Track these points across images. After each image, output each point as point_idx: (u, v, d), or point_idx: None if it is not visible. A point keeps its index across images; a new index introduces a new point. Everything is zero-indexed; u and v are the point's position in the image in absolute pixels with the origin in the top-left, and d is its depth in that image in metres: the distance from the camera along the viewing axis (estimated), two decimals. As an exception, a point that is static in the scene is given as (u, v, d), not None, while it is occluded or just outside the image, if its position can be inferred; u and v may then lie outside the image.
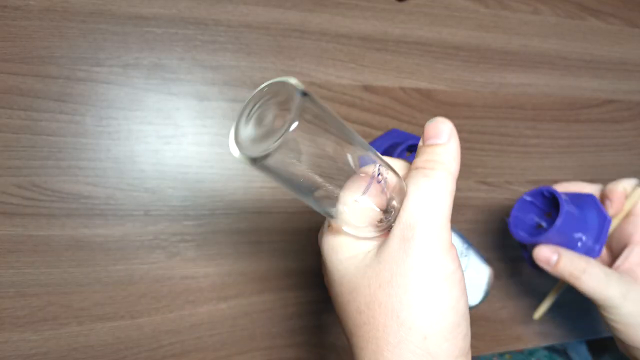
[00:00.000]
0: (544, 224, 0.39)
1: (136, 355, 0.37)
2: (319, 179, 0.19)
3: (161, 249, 0.38)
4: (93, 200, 0.37)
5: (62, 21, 0.37)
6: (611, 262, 0.38)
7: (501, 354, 0.49)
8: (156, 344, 0.38)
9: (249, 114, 0.18)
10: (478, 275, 0.28)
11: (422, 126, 0.46)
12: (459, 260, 0.20)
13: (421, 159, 0.21)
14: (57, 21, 0.37)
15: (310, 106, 0.17)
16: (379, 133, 0.45)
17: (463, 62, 0.48)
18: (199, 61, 0.40)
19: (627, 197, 0.37)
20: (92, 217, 0.37)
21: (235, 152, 0.17)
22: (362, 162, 0.20)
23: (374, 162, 0.20)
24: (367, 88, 0.44)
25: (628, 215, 0.37)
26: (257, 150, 0.16)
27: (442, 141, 0.21)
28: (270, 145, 0.16)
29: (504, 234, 0.48)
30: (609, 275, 0.33)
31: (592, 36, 0.54)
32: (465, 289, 0.20)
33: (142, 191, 0.38)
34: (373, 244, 0.21)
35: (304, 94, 0.17)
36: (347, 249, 0.21)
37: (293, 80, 0.17)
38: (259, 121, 0.17)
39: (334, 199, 0.20)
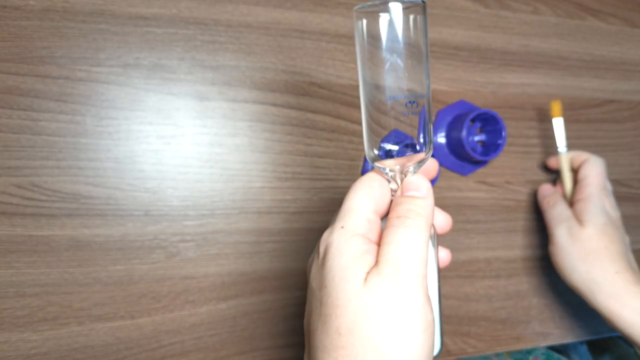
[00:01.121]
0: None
1: (136, 356, 0.37)
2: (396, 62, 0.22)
3: (161, 249, 0.38)
4: (93, 200, 0.37)
5: (62, 21, 0.37)
6: None
7: (498, 353, 0.49)
8: (156, 344, 0.38)
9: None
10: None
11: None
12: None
13: (402, 208, 0.23)
14: (57, 21, 0.37)
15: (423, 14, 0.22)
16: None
17: (463, 62, 0.48)
18: (199, 61, 0.40)
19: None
20: (92, 217, 0.37)
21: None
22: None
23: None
24: (367, 88, 0.44)
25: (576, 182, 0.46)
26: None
27: (422, 195, 0.24)
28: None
29: (504, 234, 0.48)
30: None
31: (592, 36, 0.53)
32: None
33: (142, 191, 0.38)
34: (365, 271, 0.22)
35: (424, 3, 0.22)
36: (351, 263, 0.22)
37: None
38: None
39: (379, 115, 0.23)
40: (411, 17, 0.22)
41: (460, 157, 0.46)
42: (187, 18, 0.40)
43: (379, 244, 0.23)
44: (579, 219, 0.42)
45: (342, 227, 0.23)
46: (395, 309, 0.20)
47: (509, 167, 0.49)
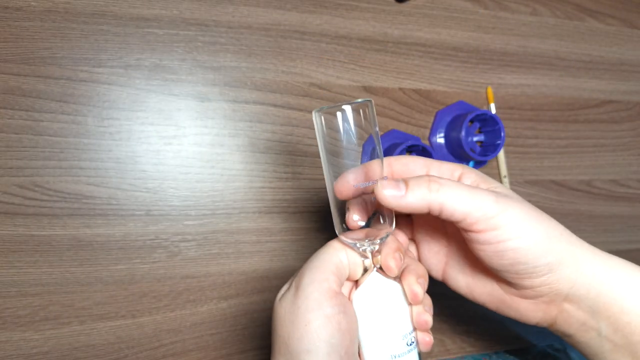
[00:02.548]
0: None
1: (137, 354, 0.38)
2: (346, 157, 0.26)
3: (162, 249, 0.38)
4: (95, 200, 0.37)
5: (63, 22, 0.37)
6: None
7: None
8: (157, 343, 0.38)
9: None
10: None
11: (422, 127, 0.46)
12: (342, 307, 0.26)
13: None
14: (59, 22, 0.37)
15: (366, 111, 0.26)
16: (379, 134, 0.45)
17: (462, 63, 0.48)
18: (200, 62, 0.40)
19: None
20: (93, 217, 0.37)
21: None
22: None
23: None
24: (367, 89, 0.45)
25: None
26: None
27: None
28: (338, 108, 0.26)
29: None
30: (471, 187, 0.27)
31: (590, 37, 0.54)
32: (347, 331, 0.26)
33: (144, 191, 0.38)
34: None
35: (369, 100, 0.26)
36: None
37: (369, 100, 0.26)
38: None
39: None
40: (361, 112, 0.26)
41: (459, 157, 0.46)
42: (188, 19, 0.40)
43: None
44: None
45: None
46: (293, 308, 0.25)
47: (508, 167, 0.49)
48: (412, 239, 0.33)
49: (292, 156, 0.42)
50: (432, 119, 0.47)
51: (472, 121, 0.45)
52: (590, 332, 0.27)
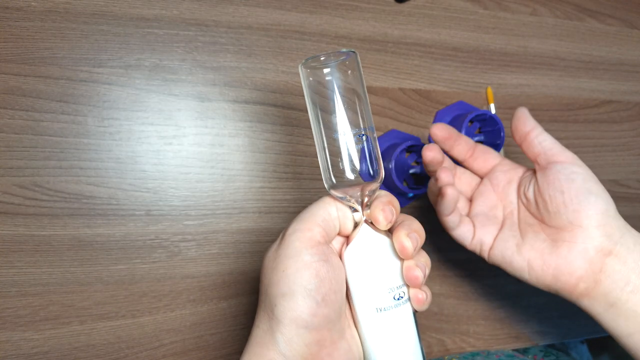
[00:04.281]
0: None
1: (137, 354, 0.38)
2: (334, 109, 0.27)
3: (162, 249, 0.38)
4: (95, 200, 0.37)
5: (64, 22, 0.37)
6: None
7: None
8: (157, 343, 0.38)
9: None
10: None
11: (422, 127, 0.46)
12: (322, 256, 0.26)
13: None
14: (59, 22, 0.37)
15: (352, 63, 0.27)
16: (378, 134, 0.45)
17: (462, 63, 0.48)
18: (200, 62, 0.40)
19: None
20: (93, 217, 0.37)
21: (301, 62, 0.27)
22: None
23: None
24: (367, 89, 0.45)
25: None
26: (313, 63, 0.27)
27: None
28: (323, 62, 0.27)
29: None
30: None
31: (590, 37, 0.54)
32: (327, 279, 0.26)
33: (144, 191, 0.38)
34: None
35: (351, 51, 0.27)
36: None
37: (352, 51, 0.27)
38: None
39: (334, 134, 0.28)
40: (348, 64, 0.27)
41: (459, 157, 0.46)
42: (188, 19, 0.40)
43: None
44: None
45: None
46: (275, 255, 0.27)
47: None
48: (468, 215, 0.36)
49: (292, 156, 0.42)
50: (432, 119, 0.47)
51: (472, 121, 0.45)
52: (636, 293, 0.29)
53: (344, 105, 0.27)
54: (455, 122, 0.45)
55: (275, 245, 0.27)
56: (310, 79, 0.27)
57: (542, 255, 0.31)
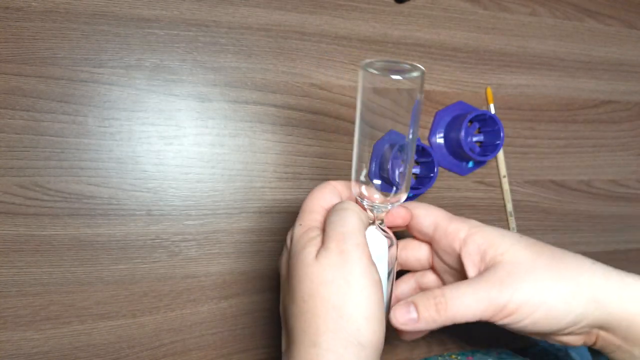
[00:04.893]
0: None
1: (138, 354, 0.38)
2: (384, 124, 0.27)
3: (163, 249, 0.39)
4: (95, 200, 0.37)
5: (64, 22, 0.37)
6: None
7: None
8: (158, 343, 0.38)
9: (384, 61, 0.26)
10: None
11: (421, 127, 0.46)
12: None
13: (339, 204, 0.29)
14: (60, 22, 0.37)
15: (420, 84, 0.25)
16: (378, 134, 0.45)
17: (461, 64, 0.48)
18: (201, 62, 0.40)
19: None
20: (94, 217, 0.37)
21: (363, 63, 0.25)
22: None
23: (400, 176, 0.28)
24: (367, 89, 0.45)
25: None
26: (377, 68, 0.25)
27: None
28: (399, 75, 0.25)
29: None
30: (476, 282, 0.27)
31: (589, 37, 0.54)
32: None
33: (144, 191, 0.38)
34: (315, 250, 0.26)
35: (423, 73, 0.25)
36: (311, 249, 0.26)
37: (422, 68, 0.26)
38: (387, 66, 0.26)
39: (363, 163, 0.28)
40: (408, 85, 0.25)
41: (458, 157, 0.47)
42: (188, 20, 0.40)
43: None
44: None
45: (300, 225, 0.28)
46: (343, 272, 0.25)
47: (507, 168, 0.49)
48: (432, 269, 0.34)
49: (292, 156, 0.42)
50: (431, 119, 0.47)
51: (471, 121, 0.45)
52: (626, 353, 0.27)
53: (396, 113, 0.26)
54: (455, 122, 0.45)
55: (333, 257, 0.25)
56: (367, 83, 0.26)
57: (540, 338, 0.31)
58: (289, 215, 0.42)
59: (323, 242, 0.26)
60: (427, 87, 0.47)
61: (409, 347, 0.45)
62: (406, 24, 0.47)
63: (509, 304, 0.25)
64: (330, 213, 0.28)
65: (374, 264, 0.26)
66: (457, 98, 0.48)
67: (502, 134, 0.44)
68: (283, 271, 0.29)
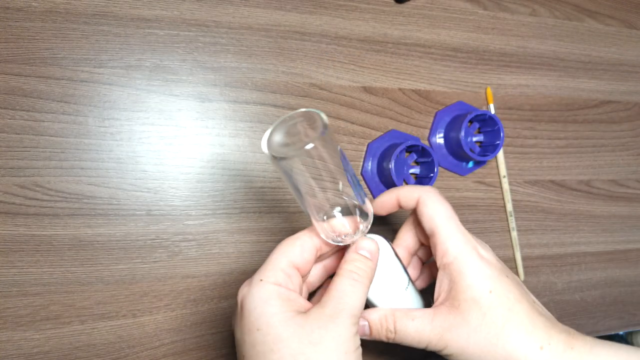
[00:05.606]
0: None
1: (138, 354, 0.38)
2: (316, 189, 0.26)
3: (163, 249, 0.39)
4: (95, 200, 0.37)
5: (64, 23, 0.37)
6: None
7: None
8: (158, 342, 0.38)
9: (281, 125, 0.25)
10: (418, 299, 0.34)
11: (421, 127, 0.46)
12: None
13: (354, 265, 0.28)
14: (60, 23, 0.37)
15: (327, 139, 0.24)
16: (378, 134, 0.45)
17: (461, 64, 0.48)
18: (201, 63, 0.40)
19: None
20: (94, 217, 0.37)
21: (265, 150, 0.24)
22: (346, 194, 0.27)
23: (358, 197, 0.27)
24: (367, 89, 0.45)
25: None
26: (280, 153, 0.24)
27: (371, 258, 0.29)
28: (290, 152, 0.23)
29: (502, 234, 0.49)
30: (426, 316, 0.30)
31: (589, 37, 0.54)
32: None
33: (144, 191, 0.38)
34: (304, 307, 0.27)
35: (325, 127, 0.23)
36: (278, 303, 0.26)
37: (323, 116, 0.24)
38: (288, 133, 0.25)
39: (320, 210, 0.27)
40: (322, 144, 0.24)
41: (458, 157, 0.47)
42: (188, 20, 0.40)
43: (299, 292, 0.28)
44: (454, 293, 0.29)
45: (261, 280, 0.27)
46: (332, 337, 0.25)
47: (507, 168, 0.49)
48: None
49: (292, 156, 0.42)
50: (431, 119, 0.47)
51: (471, 121, 0.45)
52: None
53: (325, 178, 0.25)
54: (455, 122, 0.45)
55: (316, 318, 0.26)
56: (284, 166, 0.25)
57: None
58: (289, 215, 0.42)
59: (322, 300, 0.27)
60: (428, 86, 0.47)
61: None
62: (406, 24, 0.47)
63: (443, 351, 0.29)
64: (341, 270, 0.28)
65: (357, 335, 0.27)
66: (457, 98, 0.48)
67: (502, 134, 0.45)
68: (238, 331, 0.28)
